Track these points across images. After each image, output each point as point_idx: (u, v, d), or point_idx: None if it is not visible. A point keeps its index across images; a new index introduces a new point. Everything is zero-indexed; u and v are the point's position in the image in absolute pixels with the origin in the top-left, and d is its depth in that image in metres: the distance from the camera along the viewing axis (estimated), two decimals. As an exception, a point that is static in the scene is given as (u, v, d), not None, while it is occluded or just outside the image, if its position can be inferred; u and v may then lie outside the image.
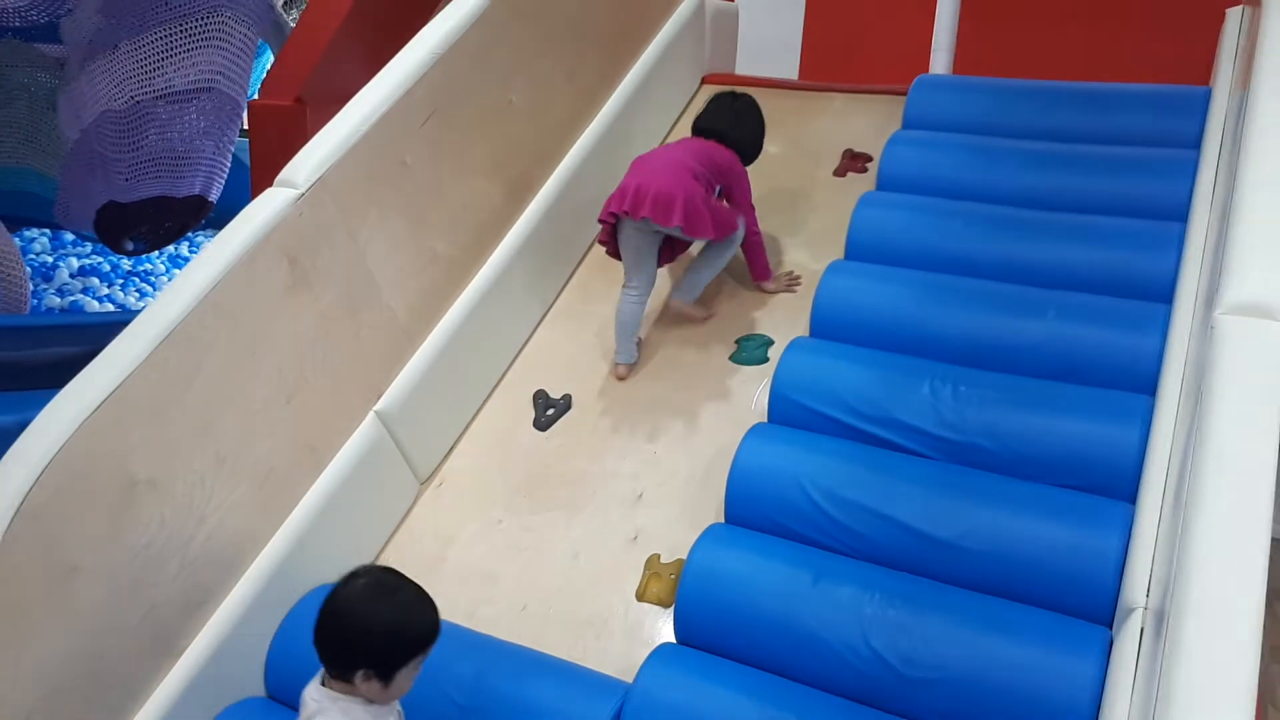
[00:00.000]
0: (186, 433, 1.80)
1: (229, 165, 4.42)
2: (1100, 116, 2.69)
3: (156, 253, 5.21)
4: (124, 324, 1.80)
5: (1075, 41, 3.98)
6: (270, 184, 2.06)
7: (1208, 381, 1.40)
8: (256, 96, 3.77)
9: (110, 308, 5.01)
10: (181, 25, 3.88)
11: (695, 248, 2.58)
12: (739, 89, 2.69)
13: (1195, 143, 2.49)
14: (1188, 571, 1.21)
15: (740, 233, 2.49)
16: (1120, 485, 1.86)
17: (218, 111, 4.19)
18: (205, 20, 3.90)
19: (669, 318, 2.59)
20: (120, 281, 5.32)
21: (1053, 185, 2.49)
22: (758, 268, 2.59)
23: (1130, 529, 1.74)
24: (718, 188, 2.48)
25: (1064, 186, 2.49)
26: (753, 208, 2.53)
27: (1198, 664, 1.13)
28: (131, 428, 1.70)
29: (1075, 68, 3.15)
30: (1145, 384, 2.00)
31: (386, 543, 2.22)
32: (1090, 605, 1.72)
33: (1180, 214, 2.31)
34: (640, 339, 2.51)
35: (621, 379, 2.48)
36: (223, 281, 1.85)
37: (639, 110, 3.00)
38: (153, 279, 5.43)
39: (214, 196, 4.40)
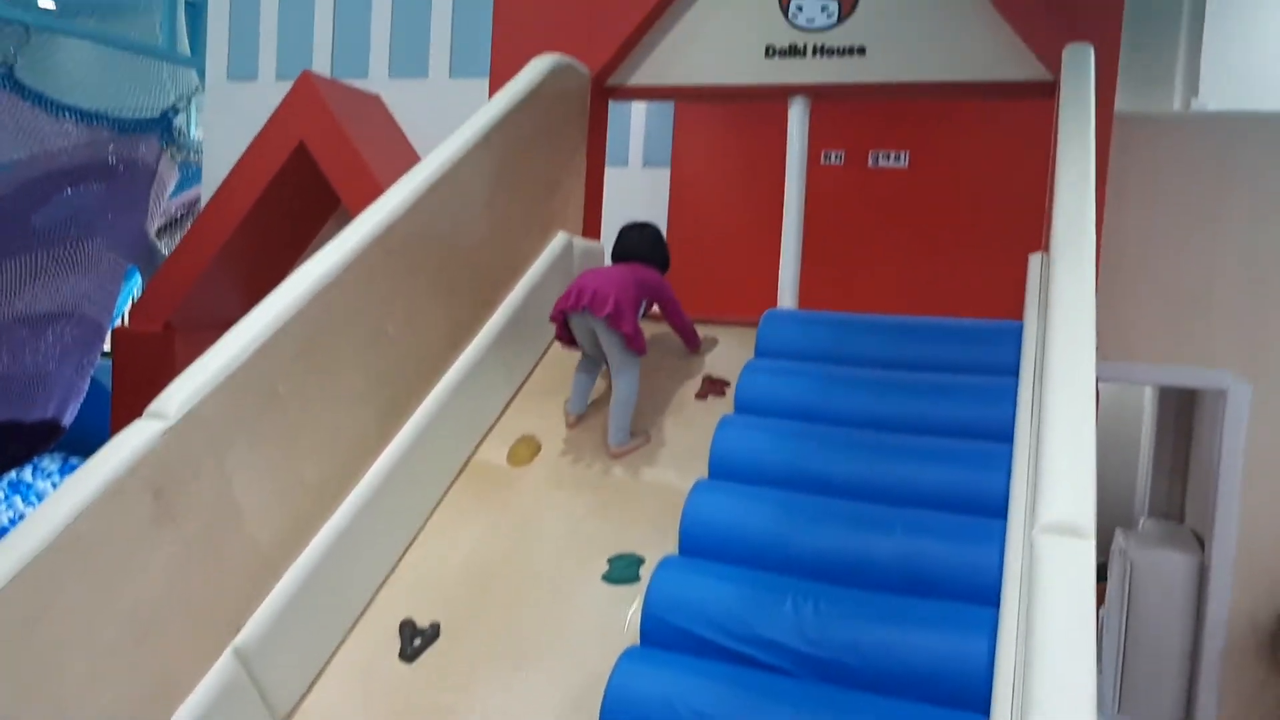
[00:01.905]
0: (27, 680, 1.70)
1: (86, 389, 4.31)
2: (930, 346, 2.98)
3: (-3, 477, 4.94)
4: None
5: (906, 280, 4.44)
6: (131, 407, 2.06)
7: (1032, 597, 1.54)
8: (123, 322, 3.76)
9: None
10: (50, 251, 3.88)
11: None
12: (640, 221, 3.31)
13: (1014, 370, 2.78)
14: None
15: (638, 364, 2.93)
16: (973, 697, 1.95)
17: (79, 335, 4.13)
18: (76, 246, 3.93)
19: (536, 543, 2.63)
20: (-48, 508, 4.98)
21: (891, 409, 2.72)
22: (690, 343, 3.23)
23: (984, 742, 1.81)
24: (644, 301, 3.04)
25: (901, 410, 2.71)
26: (678, 302, 3.17)
27: None
28: (-35, 676, 1.60)
29: (906, 303, 3.51)
30: (989, 596, 2.13)
31: (238, 792, 2.07)
32: (954, 822, 1.76)
33: (1006, 435, 2.54)
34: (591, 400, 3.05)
35: (571, 427, 2.98)
36: (81, 517, 1.80)
37: (510, 340, 3.15)
38: (-11, 505, 5.11)
39: (67, 421, 4.26)
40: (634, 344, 2.87)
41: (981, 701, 1.93)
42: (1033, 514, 1.74)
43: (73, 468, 6.20)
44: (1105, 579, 4.86)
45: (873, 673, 2.03)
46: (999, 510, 2.34)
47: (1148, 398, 5.81)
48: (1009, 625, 1.97)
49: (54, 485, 5.88)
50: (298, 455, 2.35)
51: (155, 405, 2.05)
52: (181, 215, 4.94)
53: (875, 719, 1.93)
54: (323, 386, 2.43)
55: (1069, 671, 1.42)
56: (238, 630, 2.13)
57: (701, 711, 1.95)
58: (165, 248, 4.46)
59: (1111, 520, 5.16)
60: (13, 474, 5.02)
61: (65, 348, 4.02)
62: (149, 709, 1.92)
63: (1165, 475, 5.30)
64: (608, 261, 3.52)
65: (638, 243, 3.22)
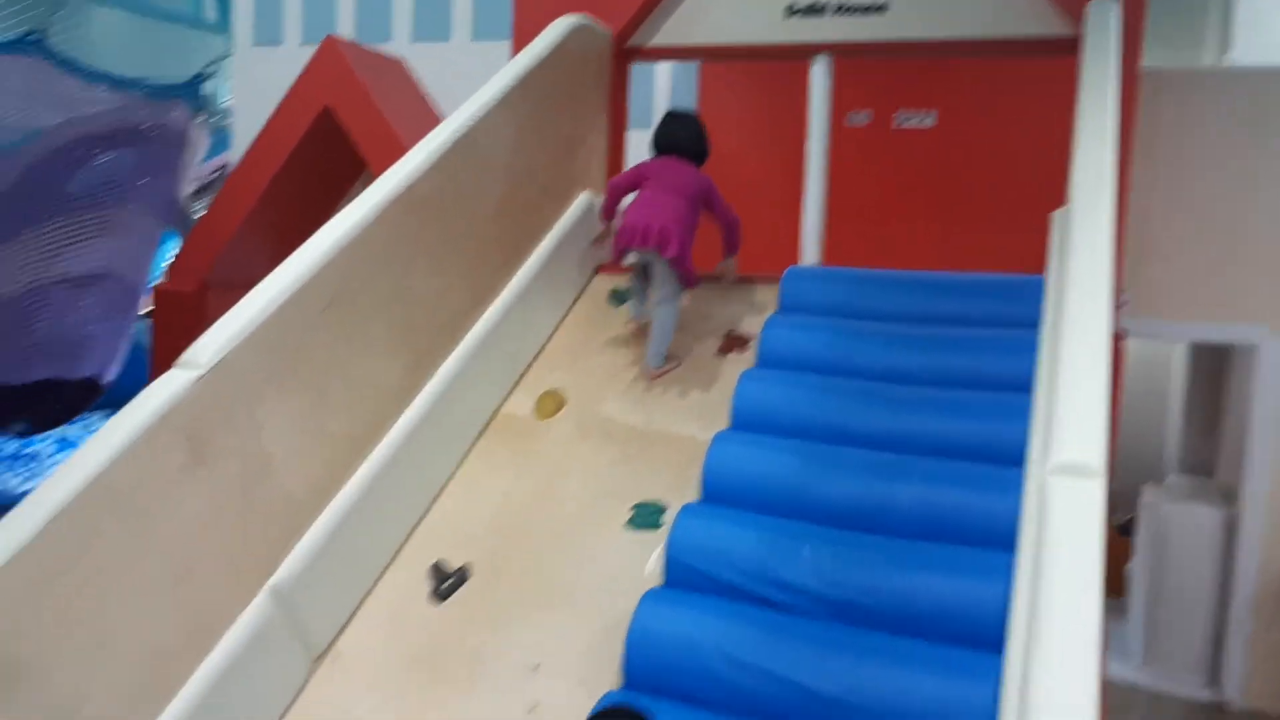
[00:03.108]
0: (69, 617, 1.77)
1: (126, 348, 4.42)
2: (951, 301, 2.98)
3: (43, 435, 5.08)
4: (4, 508, 1.79)
5: (932, 241, 4.43)
6: (170, 363, 2.12)
7: (1042, 536, 1.57)
8: (161, 281, 3.83)
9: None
10: (87, 214, 3.97)
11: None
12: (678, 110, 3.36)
13: (1034, 324, 2.77)
14: (1028, 714, 1.33)
15: (683, 295, 3.08)
16: (989, 637, 1.98)
17: (117, 296, 4.23)
18: (113, 210, 4.01)
19: (561, 491, 2.68)
20: (4, 463, 5.14)
21: (912, 362, 2.73)
22: (731, 241, 3.28)
23: (999, 680, 1.85)
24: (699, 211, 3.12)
25: (922, 363, 2.72)
26: (724, 200, 3.19)
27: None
28: (12, 611, 1.68)
29: (932, 263, 3.50)
30: (1005, 541, 2.15)
31: (278, 722, 2.16)
32: (967, 753, 1.80)
33: (1027, 387, 2.55)
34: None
35: (636, 330, 3.16)
36: (117, 461, 1.87)
37: (534, 295, 3.19)
38: (39, 461, 5.26)
39: (108, 379, 4.37)
40: (688, 282, 3.05)
41: (996, 642, 1.96)
42: (1045, 456, 1.76)
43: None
44: (1129, 534, 4.86)
45: (890, 614, 2.07)
46: (1019, 460, 2.35)
47: (1178, 354, 5.76)
48: (1025, 568, 2.00)
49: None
50: (326, 406, 2.41)
51: (187, 355, 2.11)
52: (213, 179, 5.02)
53: (893, 658, 1.97)
54: (349, 341, 2.49)
55: (1075, 603, 1.45)
56: (272, 571, 2.20)
57: (721, 647, 2.01)
58: (198, 209, 4.56)
59: (1139, 476, 5.14)
60: (59, 431, 5.15)
61: (104, 308, 4.12)
62: (190, 641, 2.01)
63: (1196, 431, 5.27)
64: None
65: (680, 133, 3.21)
